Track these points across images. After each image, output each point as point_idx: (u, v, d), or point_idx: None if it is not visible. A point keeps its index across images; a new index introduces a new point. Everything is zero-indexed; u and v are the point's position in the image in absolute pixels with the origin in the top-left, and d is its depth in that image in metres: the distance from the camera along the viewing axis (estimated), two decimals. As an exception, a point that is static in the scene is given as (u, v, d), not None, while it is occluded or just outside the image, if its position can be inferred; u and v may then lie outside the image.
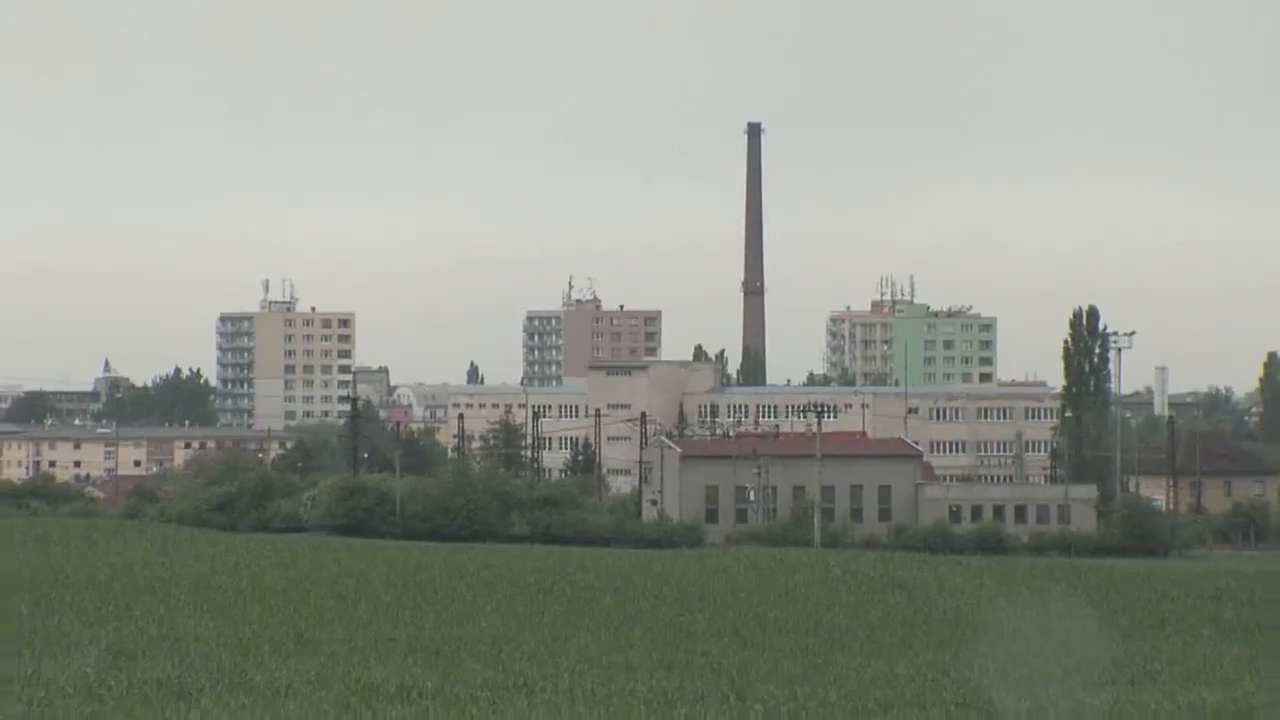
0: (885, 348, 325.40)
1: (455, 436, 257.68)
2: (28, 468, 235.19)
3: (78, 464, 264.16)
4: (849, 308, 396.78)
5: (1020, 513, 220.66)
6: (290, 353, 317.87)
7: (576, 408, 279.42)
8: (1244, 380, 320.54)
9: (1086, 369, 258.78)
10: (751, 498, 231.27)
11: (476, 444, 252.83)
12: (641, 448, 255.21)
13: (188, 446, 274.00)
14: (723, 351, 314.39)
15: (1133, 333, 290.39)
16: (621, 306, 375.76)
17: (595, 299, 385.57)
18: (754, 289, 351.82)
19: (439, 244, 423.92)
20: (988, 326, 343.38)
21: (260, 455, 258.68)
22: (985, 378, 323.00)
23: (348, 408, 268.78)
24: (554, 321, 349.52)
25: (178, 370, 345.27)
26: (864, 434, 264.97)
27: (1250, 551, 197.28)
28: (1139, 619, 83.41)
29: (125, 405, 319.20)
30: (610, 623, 73.39)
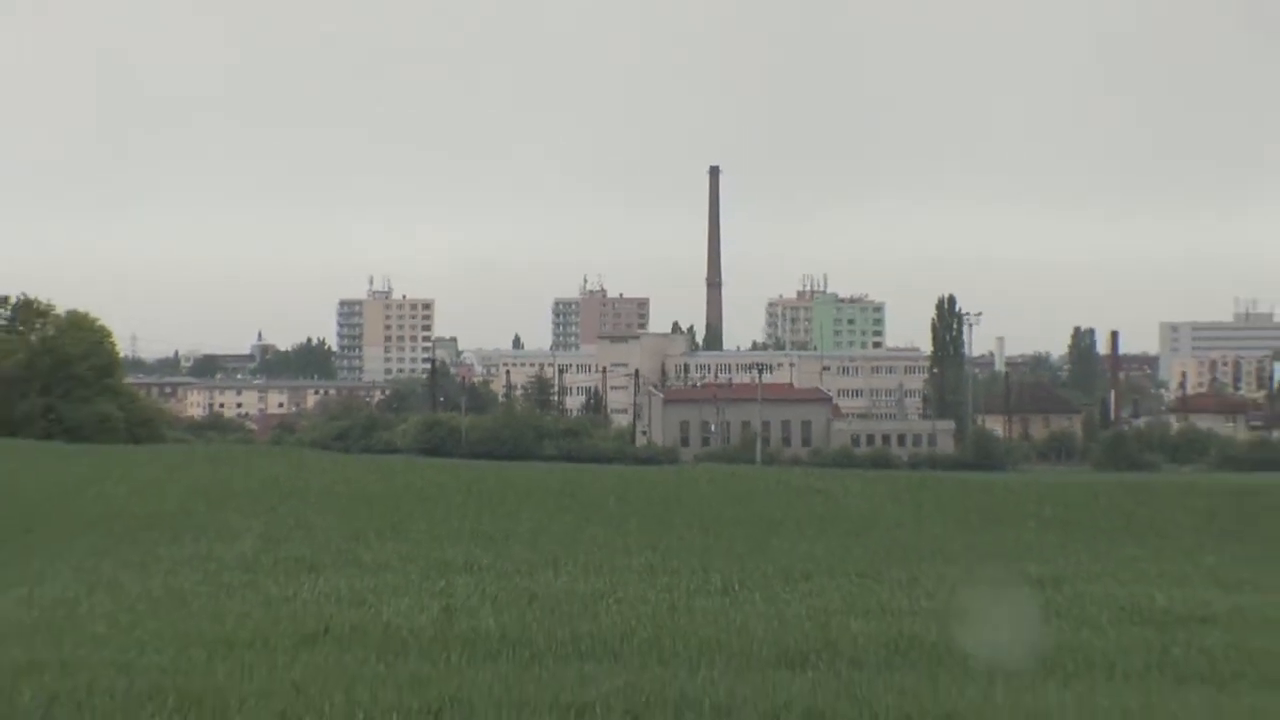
0: (806, 324, 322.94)
1: (504, 386, 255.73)
2: (204, 409, 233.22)
3: (239, 406, 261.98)
4: (781, 296, 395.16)
5: (901, 439, 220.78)
6: (388, 327, 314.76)
7: (589, 366, 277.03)
8: (1058, 346, 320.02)
9: (947, 339, 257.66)
10: (712, 429, 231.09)
11: (519, 391, 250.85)
12: (635, 394, 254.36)
13: (316, 394, 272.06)
14: (691, 327, 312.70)
15: (980, 313, 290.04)
16: (621, 295, 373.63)
17: (602, 290, 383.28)
18: (714, 283, 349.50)
19: (493, 250, 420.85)
20: (879, 309, 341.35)
21: (367, 400, 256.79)
22: (876, 345, 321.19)
23: (429, 366, 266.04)
24: (574, 305, 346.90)
25: (309, 340, 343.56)
26: (791, 385, 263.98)
27: (1061, 466, 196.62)
28: (983, 515, 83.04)
29: (272, 365, 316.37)
30: (613, 518, 73.27)
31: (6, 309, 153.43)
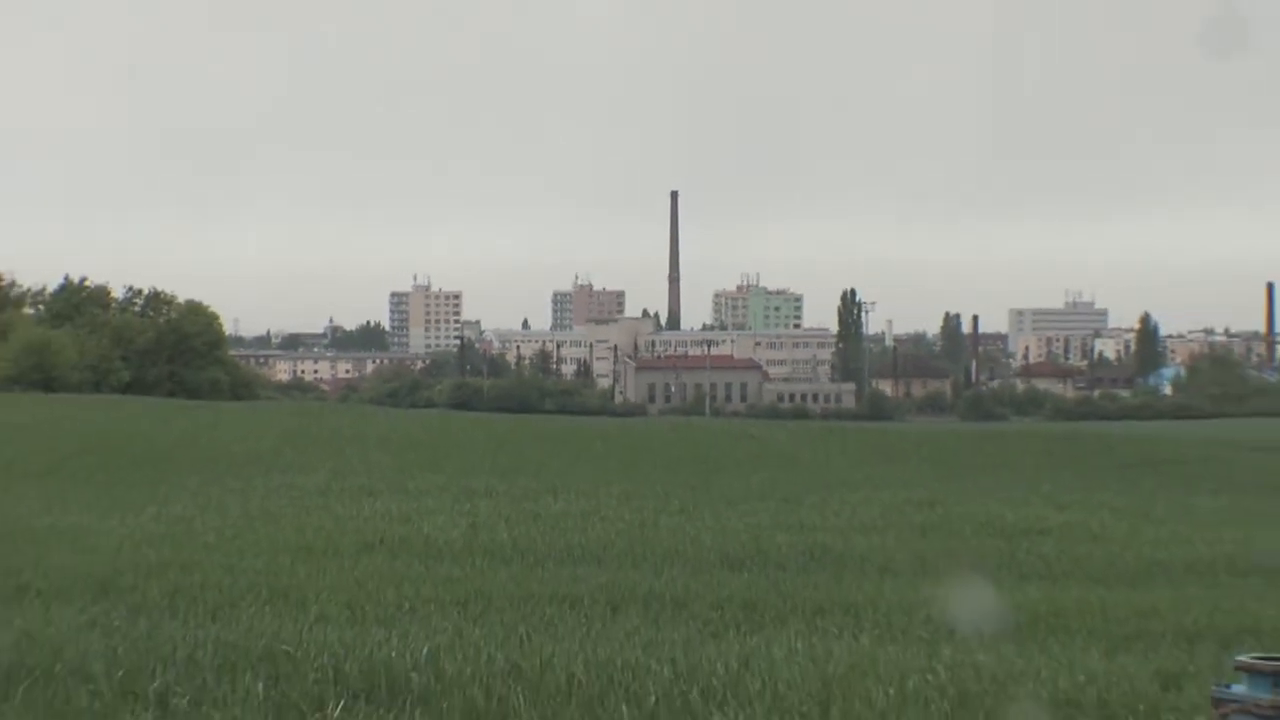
0: (743, 311, 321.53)
1: (515, 357, 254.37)
2: (289, 374, 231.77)
3: (315, 372, 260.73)
4: (724, 289, 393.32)
5: (814, 398, 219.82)
6: (427, 312, 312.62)
7: (579, 343, 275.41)
8: (933, 326, 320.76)
9: (849, 321, 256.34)
10: (672, 390, 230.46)
11: (526, 361, 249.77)
12: (614, 364, 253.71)
13: (373, 363, 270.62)
14: (657, 313, 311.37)
15: (874, 302, 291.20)
16: (604, 288, 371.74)
17: (589, 284, 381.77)
18: (674, 279, 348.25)
19: (507, 252, 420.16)
20: (798, 299, 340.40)
21: (412, 367, 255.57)
22: (796, 326, 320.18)
23: (458, 342, 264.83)
24: (568, 296, 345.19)
25: (368, 322, 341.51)
26: (731, 356, 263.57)
27: (934, 418, 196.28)
28: (877, 455, 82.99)
29: (340, 341, 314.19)
30: (597, 457, 73.17)
31: (140, 299, 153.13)
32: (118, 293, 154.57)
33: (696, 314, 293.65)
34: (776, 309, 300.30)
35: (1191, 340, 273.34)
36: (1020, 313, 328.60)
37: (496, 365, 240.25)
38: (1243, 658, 8.12)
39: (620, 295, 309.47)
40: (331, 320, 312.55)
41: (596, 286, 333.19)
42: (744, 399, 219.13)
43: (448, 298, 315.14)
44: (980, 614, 26.36)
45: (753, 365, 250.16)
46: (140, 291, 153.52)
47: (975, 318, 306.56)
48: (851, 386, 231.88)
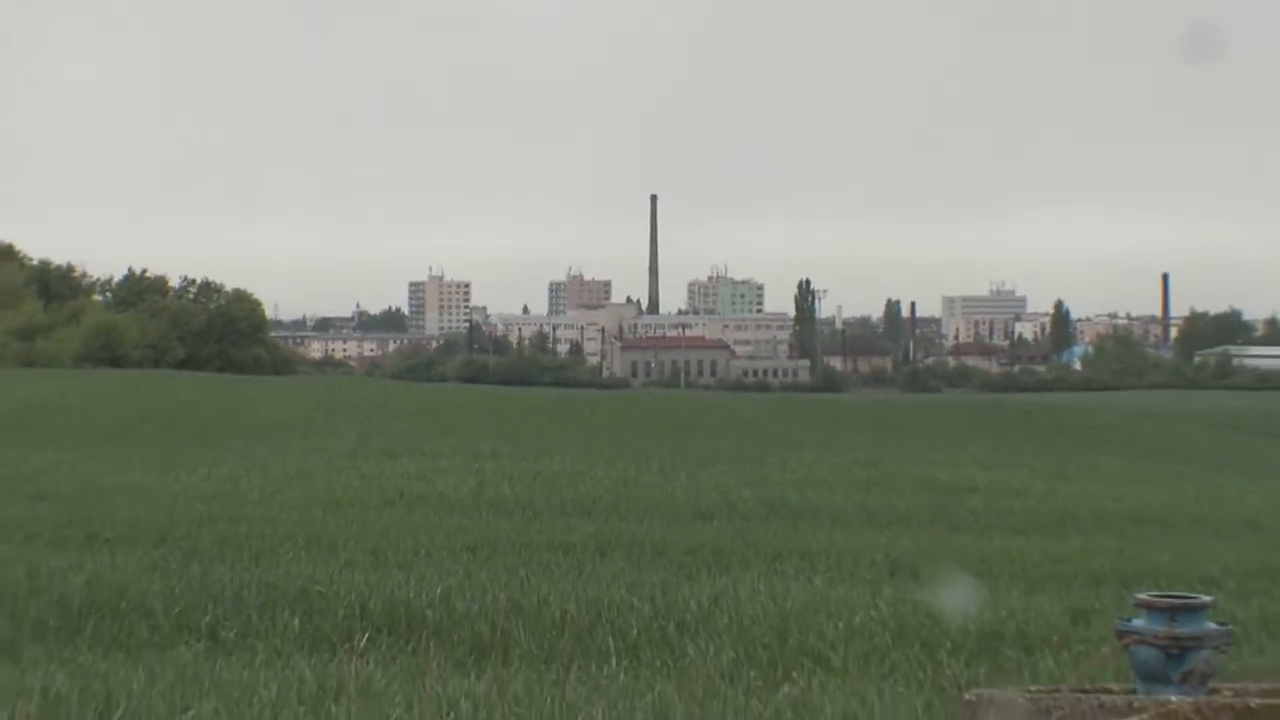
0: (714, 298, 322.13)
1: (516, 338, 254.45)
2: (322, 353, 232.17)
3: (344, 350, 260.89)
4: (697, 279, 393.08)
5: (774, 373, 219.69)
6: (441, 299, 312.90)
7: (572, 325, 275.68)
8: (877, 311, 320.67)
9: (805, 307, 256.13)
10: (652, 366, 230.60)
11: (526, 342, 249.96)
12: (602, 344, 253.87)
13: (394, 343, 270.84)
14: (639, 299, 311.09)
15: (826, 290, 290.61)
16: (594, 278, 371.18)
17: (581, 274, 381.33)
18: (653, 270, 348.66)
19: (509, 247, 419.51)
20: (760, 288, 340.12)
21: (427, 347, 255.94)
22: (759, 311, 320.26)
23: (467, 325, 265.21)
24: (562, 285, 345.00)
25: (390, 307, 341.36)
26: (703, 337, 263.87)
27: (878, 390, 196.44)
28: (828, 422, 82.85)
29: (366, 323, 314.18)
30: (587, 424, 73.03)
31: (193, 288, 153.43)
32: (174, 282, 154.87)
33: (673, 301, 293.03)
34: (742, 296, 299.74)
35: (1098, 323, 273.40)
36: (951, 299, 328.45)
37: (500, 345, 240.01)
38: (1141, 596, 8.11)
39: (607, 284, 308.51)
40: (358, 306, 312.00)
41: (587, 277, 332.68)
42: (713, 374, 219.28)
43: (458, 287, 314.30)
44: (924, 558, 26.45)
45: (721, 345, 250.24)
46: (194, 281, 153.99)
47: (913, 304, 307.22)
48: (806, 363, 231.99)
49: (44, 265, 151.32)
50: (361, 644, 16.07)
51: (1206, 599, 7.97)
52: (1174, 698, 7.36)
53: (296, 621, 19.24)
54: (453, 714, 12.58)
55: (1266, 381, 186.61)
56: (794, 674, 16.51)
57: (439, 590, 21.31)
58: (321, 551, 26.03)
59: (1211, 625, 7.89)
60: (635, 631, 18.83)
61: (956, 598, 6.85)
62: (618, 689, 14.95)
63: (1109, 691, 7.82)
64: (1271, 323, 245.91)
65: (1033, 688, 9.02)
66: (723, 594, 21.43)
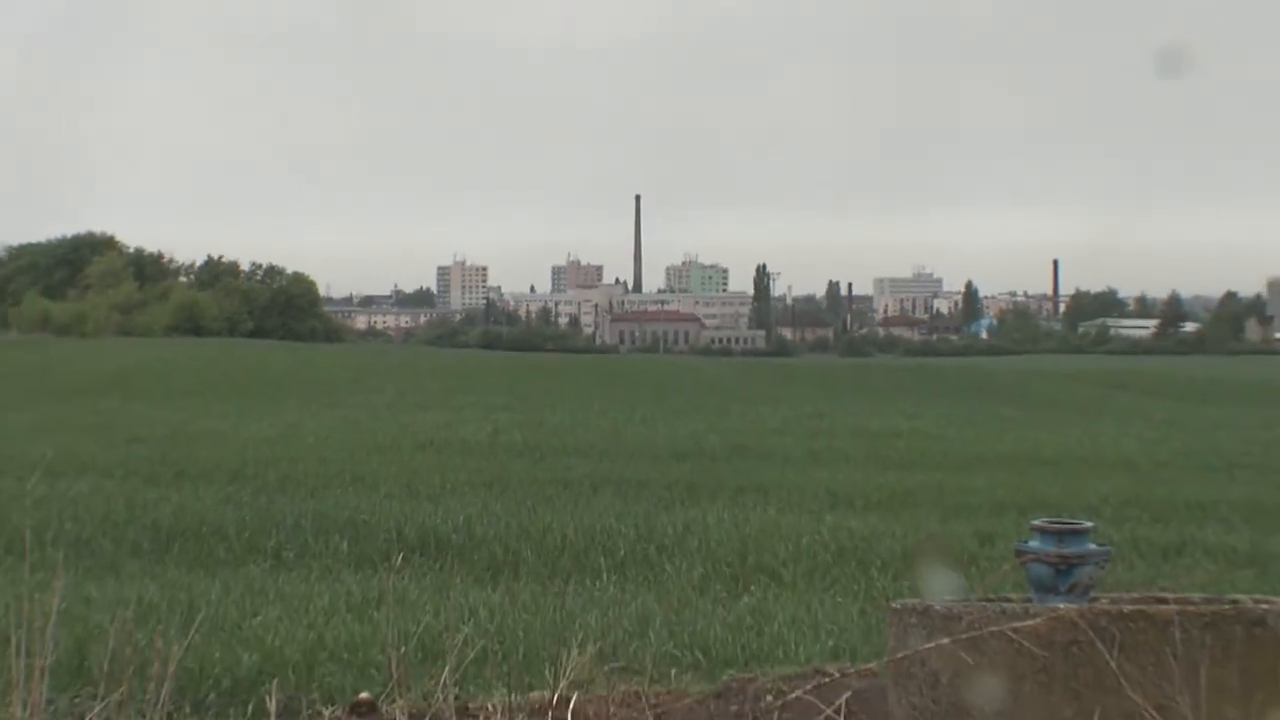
0: (686, 279, 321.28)
1: (525, 313, 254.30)
2: (366, 324, 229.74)
3: (384, 323, 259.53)
4: (673, 263, 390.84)
5: (737, 341, 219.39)
6: (463, 280, 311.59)
7: (571, 303, 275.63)
8: (820, 290, 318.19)
9: (762, 287, 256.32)
10: (636, 335, 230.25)
11: (533, 316, 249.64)
12: (595, 317, 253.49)
13: (425, 317, 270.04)
14: (626, 281, 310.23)
15: (779, 272, 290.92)
16: (588, 263, 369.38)
17: (578, 260, 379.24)
18: (638, 256, 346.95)
19: (520, 237, 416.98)
20: (725, 271, 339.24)
21: (453, 320, 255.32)
22: (724, 290, 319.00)
23: (485, 302, 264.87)
24: (564, 269, 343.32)
25: (421, 286, 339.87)
26: (678, 311, 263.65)
27: (821, 355, 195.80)
28: (780, 381, 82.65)
29: (402, 300, 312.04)
30: (582, 383, 72.95)
31: (261, 271, 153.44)
32: (245, 266, 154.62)
33: (653, 281, 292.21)
34: (710, 278, 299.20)
35: (1001, 299, 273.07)
36: (881, 280, 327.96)
37: (512, 318, 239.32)
38: (1036, 522, 8.11)
39: (600, 268, 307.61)
40: (395, 286, 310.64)
41: (583, 262, 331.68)
42: (686, 342, 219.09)
43: (477, 270, 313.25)
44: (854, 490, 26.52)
45: (693, 318, 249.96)
46: (260, 265, 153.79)
47: (849, 284, 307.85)
48: (762, 333, 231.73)
49: (139, 252, 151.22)
50: (398, 562, 16.05)
51: (1088, 524, 8.01)
52: (1062, 605, 7.39)
53: (345, 544, 19.25)
54: (472, 619, 12.57)
55: (1136, 347, 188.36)
56: (752, 587, 16.53)
57: (461, 518, 21.34)
58: (365, 487, 26.04)
59: (1092, 546, 7.92)
60: (622, 552, 18.84)
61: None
62: (608, 599, 14.95)
63: (1009, 600, 7.85)
64: (1140, 300, 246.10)
65: (947, 597, 9.02)
66: (694, 522, 21.45)
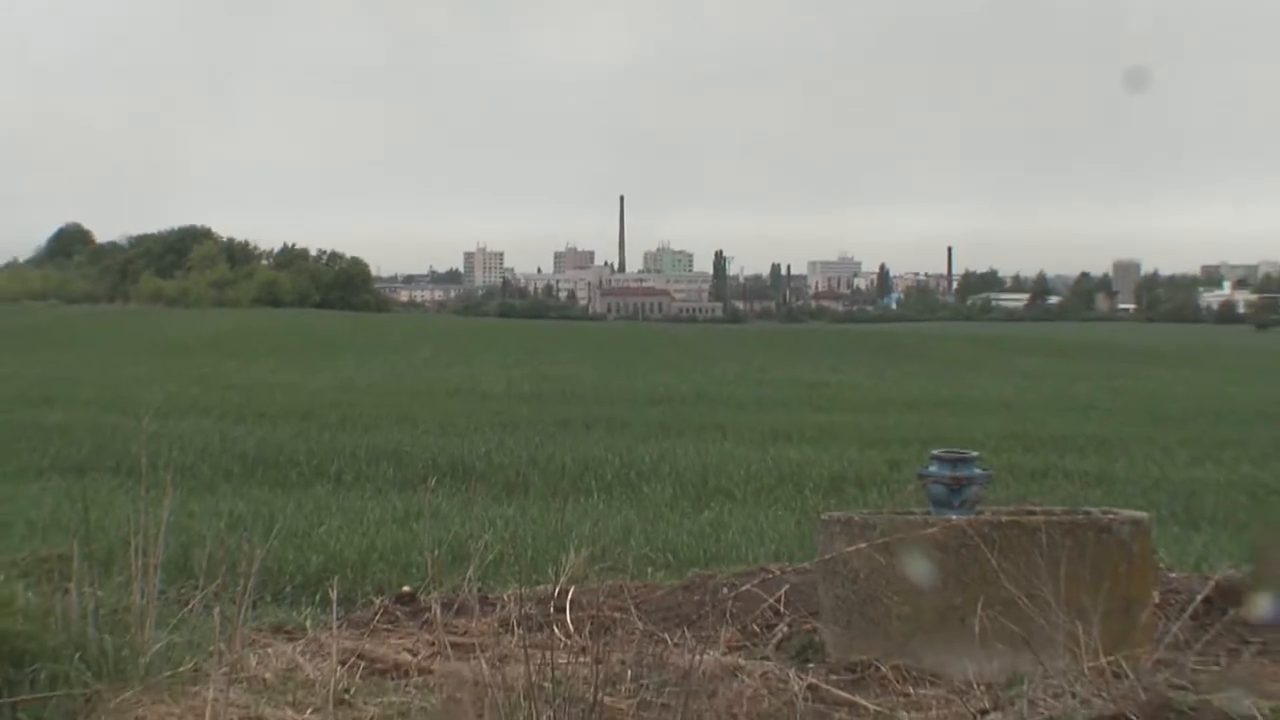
0: (661, 261, 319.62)
1: (534, 289, 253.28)
2: (407, 298, 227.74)
3: (421, 297, 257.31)
4: (650, 249, 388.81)
5: (700, 311, 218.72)
6: (484, 263, 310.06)
7: (569, 281, 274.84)
8: (766, 270, 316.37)
9: (719, 268, 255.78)
10: (620, 307, 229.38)
11: (539, 292, 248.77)
12: (588, 293, 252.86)
13: (454, 292, 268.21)
14: (612, 263, 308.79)
15: (733, 257, 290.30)
16: (583, 250, 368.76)
17: (575, 247, 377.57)
18: (621, 244, 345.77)
19: (528, 231, 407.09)
20: (691, 256, 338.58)
21: (476, 295, 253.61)
22: (690, 271, 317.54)
23: (502, 282, 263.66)
24: (563, 253, 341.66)
25: (451, 268, 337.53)
26: (654, 288, 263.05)
27: (766, 323, 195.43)
28: (734, 345, 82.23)
29: (436, 278, 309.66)
30: (578, 343, 72.85)
31: (325, 255, 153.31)
32: (314, 252, 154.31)
33: (633, 264, 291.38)
34: (678, 261, 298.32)
35: (907, 278, 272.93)
36: (814, 263, 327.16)
37: (523, 293, 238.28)
38: (934, 451, 8.11)
39: (591, 253, 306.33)
40: (430, 267, 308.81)
41: (579, 249, 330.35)
42: (660, 312, 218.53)
43: (495, 255, 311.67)
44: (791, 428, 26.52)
45: (665, 293, 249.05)
46: (325, 251, 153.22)
47: (788, 266, 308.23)
48: (719, 305, 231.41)
49: (230, 241, 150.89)
50: (433, 484, 16.04)
51: (974, 454, 8.05)
52: (954, 517, 7.43)
53: (391, 470, 19.23)
54: (491, 529, 12.56)
55: (1012, 315, 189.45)
56: (711, 504, 16.56)
57: (483, 450, 21.33)
58: (407, 425, 26.01)
59: (978, 470, 7.95)
60: (609, 477, 18.85)
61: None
62: (597, 513, 14.96)
63: (914, 513, 7.89)
64: (1015, 278, 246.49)
65: (864, 510, 9.06)
66: (666, 453, 21.47)
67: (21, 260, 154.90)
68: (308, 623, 8.12)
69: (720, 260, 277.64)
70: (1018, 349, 75.28)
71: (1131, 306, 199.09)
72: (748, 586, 8.58)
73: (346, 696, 6.30)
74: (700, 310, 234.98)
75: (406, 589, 8.94)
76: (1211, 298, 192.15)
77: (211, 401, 30.67)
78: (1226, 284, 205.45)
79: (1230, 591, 7.98)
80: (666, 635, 7.16)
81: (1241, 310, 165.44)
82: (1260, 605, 4.91)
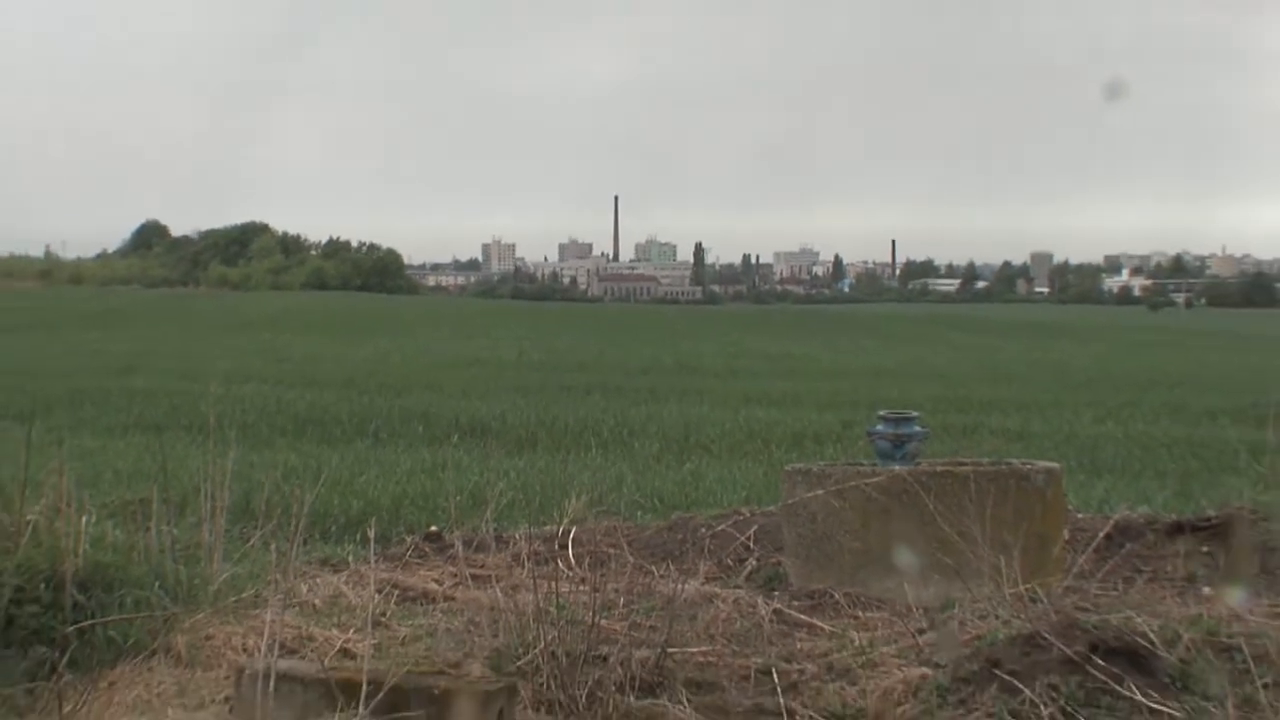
0: (649, 252, 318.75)
1: (541, 276, 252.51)
2: (433, 283, 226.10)
3: (446, 282, 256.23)
4: (640, 241, 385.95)
5: (683, 294, 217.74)
6: (499, 254, 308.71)
7: (571, 269, 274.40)
8: (738, 260, 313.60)
9: (699, 258, 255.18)
10: (615, 291, 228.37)
11: (546, 277, 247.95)
12: (587, 279, 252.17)
13: (473, 278, 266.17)
14: (607, 253, 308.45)
15: (710, 248, 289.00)
16: (583, 241, 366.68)
17: (575, 239, 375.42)
18: (615, 236, 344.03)
19: (536, 225, 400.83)
20: (675, 246, 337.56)
21: (493, 280, 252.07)
22: (674, 260, 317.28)
23: (515, 269, 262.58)
24: (566, 245, 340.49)
25: (472, 257, 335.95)
26: (643, 275, 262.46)
27: (739, 304, 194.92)
28: (710, 323, 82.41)
29: (459, 266, 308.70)
30: (579, 321, 72.76)
31: (365, 246, 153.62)
32: (354, 243, 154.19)
33: (626, 253, 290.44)
34: (664, 251, 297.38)
35: (857, 266, 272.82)
36: (779, 253, 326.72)
37: (532, 279, 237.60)
38: (881, 413, 8.11)
39: (590, 244, 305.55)
40: (454, 256, 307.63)
41: (580, 241, 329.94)
42: (649, 295, 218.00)
43: (508, 246, 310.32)
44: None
45: (653, 279, 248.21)
46: (365, 243, 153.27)
47: (757, 255, 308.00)
48: (699, 289, 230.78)
49: (284, 234, 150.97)
50: (455, 440, 16.05)
51: (914, 414, 8.06)
52: (897, 467, 7.44)
53: (420, 428, 19.18)
54: (505, 478, 12.56)
55: (946, 298, 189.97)
56: (692, 457, 16.56)
57: (498, 411, 21.29)
58: (433, 390, 25.98)
59: (918, 428, 7.96)
60: (605, 434, 18.84)
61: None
62: (595, 465, 14.97)
63: (863, 464, 7.91)
64: (949, 266, 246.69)
65: (821, 462, 9.08)
66: (653, 414, 21.47)
67: (110, 251, 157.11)
68: (350, 557, 8.16)
69: (699, 251, 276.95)
70: (950, 326, 75.36)
71: (1046, 290, 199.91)
72: (722, 527, 8.59)
73: (383, 619, 6.35)
74: (682, 294, 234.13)
75: (433, 529, 8.94)
76: (1112, 283, 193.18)
77: (268, 370, 30.60)
78: (1125, 271, 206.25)
79: (1127, 529, 8.04)
80: (653, 568, 7.20)
81: (1137, 293, 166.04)
82: (1234, 595, 4.84)
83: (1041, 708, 4.90)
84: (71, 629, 5.64)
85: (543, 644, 5.46)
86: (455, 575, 7.44)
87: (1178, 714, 4.84)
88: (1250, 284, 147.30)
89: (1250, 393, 25.09)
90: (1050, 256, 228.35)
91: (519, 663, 5.44)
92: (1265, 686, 4.89)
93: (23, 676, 5.46)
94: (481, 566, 7.56)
